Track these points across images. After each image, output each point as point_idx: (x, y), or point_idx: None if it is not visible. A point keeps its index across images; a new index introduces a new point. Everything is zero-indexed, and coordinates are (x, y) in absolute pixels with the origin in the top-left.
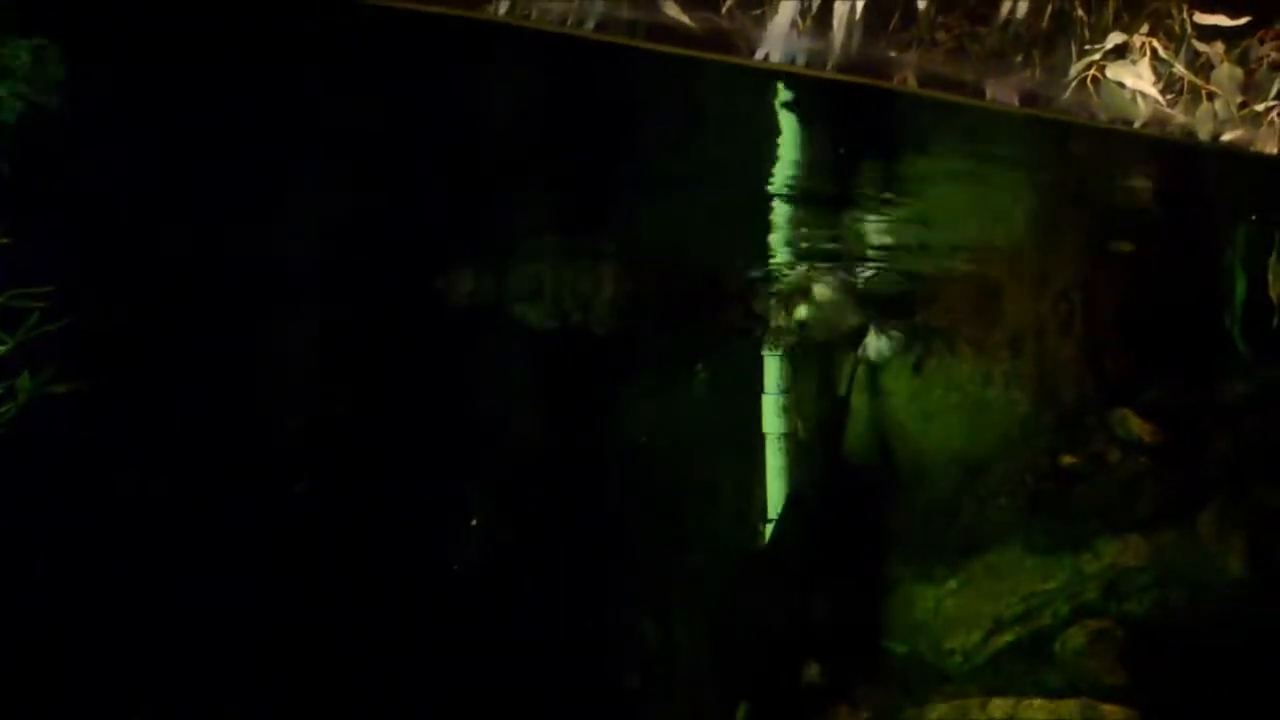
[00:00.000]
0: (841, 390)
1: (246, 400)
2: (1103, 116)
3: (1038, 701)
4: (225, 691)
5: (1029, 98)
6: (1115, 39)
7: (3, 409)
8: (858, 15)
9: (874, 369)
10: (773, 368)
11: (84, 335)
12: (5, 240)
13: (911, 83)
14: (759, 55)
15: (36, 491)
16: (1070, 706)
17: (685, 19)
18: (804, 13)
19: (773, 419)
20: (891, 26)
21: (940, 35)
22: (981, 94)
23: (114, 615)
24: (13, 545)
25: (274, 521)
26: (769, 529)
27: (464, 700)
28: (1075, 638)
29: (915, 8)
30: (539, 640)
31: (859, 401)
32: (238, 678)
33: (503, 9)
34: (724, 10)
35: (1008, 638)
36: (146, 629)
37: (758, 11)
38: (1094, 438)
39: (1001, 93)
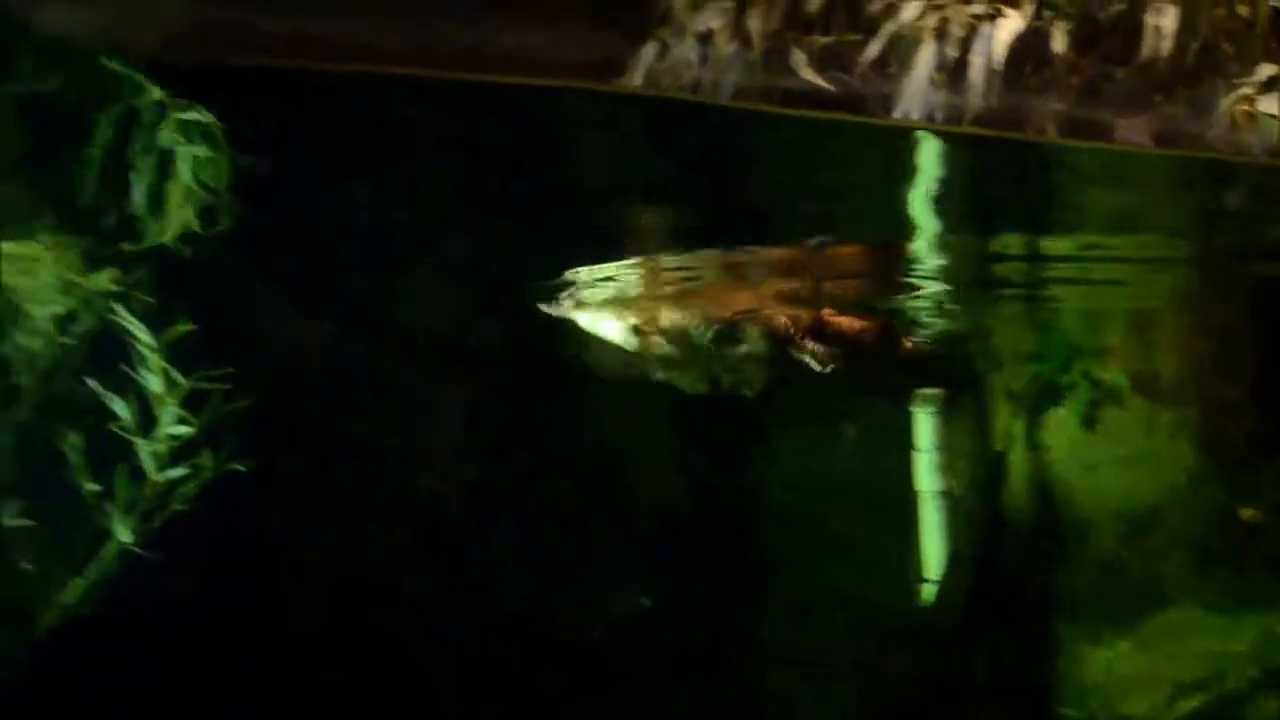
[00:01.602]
0: (999, 444)
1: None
2: (1256, 151)
3: None
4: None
5: (1169, 136)
6: (1266, 71)
7: (187, 486)
8: (995, 64)
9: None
10: (924, 422)
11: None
12: (191, 326)
13: (1051, 133)
14: (897, 113)
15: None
16: None
17: (821, 82)
18: (940, 67)
19: (926, 475)
20: (1026, 72)
21: (1073, 79)
22: (1110, 135)
23: None
24: None
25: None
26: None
27: None
28: (1272, 704)
29: (1049, 52)
30: (697, 702)
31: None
32: None
33: (637, 80)
34: (857, 72)
35: (1193, 703)
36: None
37: (891, 69)
38: (1273, 488)
39: (1132, 133)
